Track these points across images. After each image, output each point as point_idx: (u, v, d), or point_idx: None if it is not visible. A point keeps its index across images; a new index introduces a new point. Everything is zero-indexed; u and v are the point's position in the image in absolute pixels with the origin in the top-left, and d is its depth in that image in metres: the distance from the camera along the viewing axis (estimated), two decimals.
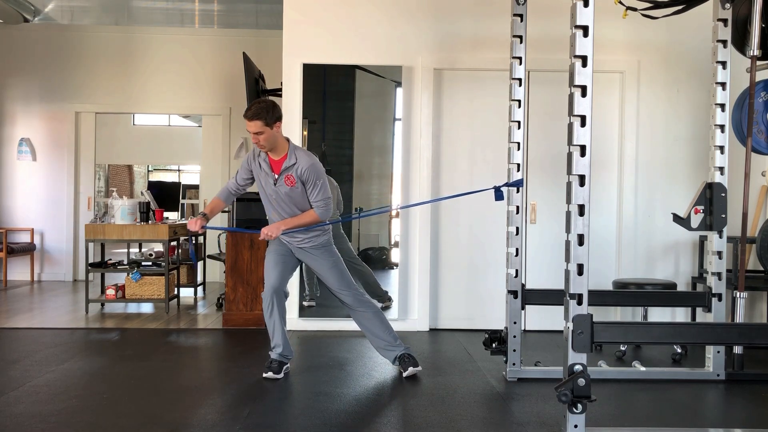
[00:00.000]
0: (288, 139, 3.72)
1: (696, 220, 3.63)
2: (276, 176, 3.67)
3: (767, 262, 4.13)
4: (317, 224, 3.71)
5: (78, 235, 7.99)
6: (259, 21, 7.68)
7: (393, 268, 5.36)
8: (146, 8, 7.53)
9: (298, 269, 4.36)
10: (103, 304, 6.11)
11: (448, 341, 4.78)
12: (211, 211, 3.76)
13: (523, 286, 3.75)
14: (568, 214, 2.44)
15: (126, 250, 7.50)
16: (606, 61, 5.07)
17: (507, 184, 3.74)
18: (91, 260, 6.76)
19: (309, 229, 3.75)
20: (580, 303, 2.44)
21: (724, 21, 3.60)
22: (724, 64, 3.61)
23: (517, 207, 3.76)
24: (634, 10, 4.02)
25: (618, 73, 5.19)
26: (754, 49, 3.69)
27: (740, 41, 3.98)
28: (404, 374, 3.77)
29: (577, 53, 2.40)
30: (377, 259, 5.38)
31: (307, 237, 3.77)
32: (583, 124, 2.41)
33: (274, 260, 3.77)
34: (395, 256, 5.31)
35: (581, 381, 2.39)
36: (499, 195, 3.70)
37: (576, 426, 2.40)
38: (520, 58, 3.75)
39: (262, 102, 3.63)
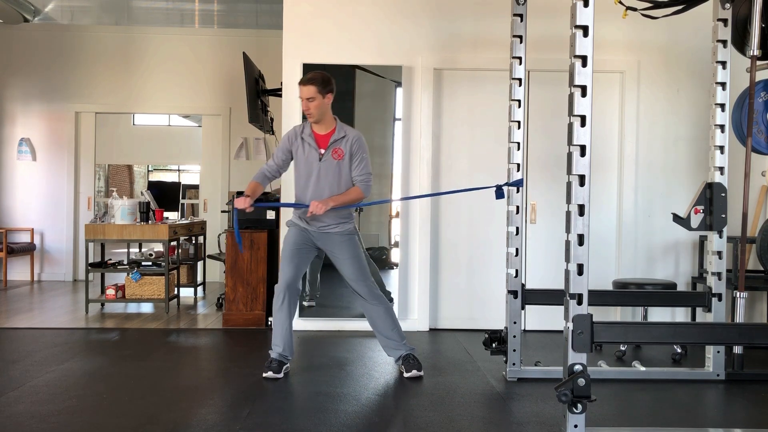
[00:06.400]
0: (336, 117, 3.76)
1: (696, 220, 3.63)
2: (322, 151, 3.69)
3: (767, 262, 4.13)
4: (356, 204, 3.72)
5: (78, 235, 7.99)
6: (259, 21, 7.69)
7: (393, 268, 5.35)
8: (146, 8, 7.54)
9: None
10: (103, 304, 6.11)
11: (448, 341, 4.78)
12: (253, 193, 3.71)
13: (523, 286, 3.75)
14: (568, 214, 2.44)
15: (126, 250, 7.51)
16: (606, 61, 5.07)
17: (507, 184, 3.74)
18: (91, 260, 6.76)
19: (339, 214, 3.73)
20: (580, 303, 2.43)
21: (724, 21, 3.59)
22: (724, 64, 3.61)
23: (517, 207, 3.76)
24: (634, 10, 4.01)
25: (618, 73, 5.18)
26: (754, 49, 3.69)
27: (740, 41, 3.98)
28: (405, 375, 3.77)
29: (577, 53, 2.40)
30: (377, 259, 5.38)
31: (335, 222, 3.74)
32: (583, 124, 2.41)
33: (290, 252, 3.75)
34: (395, 256, 5.31)
35: (581, 381, 2.38)
36: (500, 194, 3.72)
37: (576, 426, 2.40)
38: (520, 58, 3.75)
39: (319, 72, 3.70)
